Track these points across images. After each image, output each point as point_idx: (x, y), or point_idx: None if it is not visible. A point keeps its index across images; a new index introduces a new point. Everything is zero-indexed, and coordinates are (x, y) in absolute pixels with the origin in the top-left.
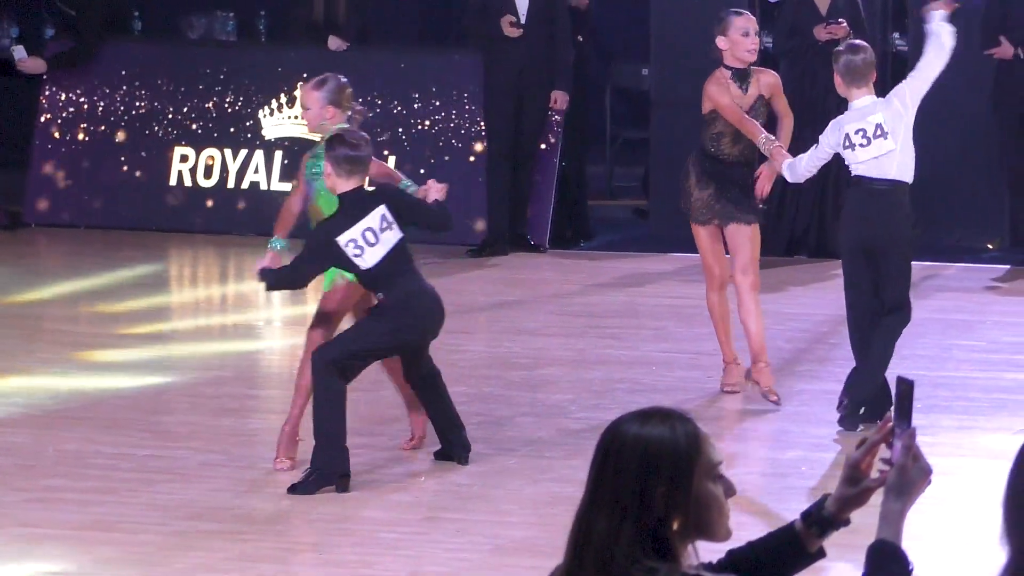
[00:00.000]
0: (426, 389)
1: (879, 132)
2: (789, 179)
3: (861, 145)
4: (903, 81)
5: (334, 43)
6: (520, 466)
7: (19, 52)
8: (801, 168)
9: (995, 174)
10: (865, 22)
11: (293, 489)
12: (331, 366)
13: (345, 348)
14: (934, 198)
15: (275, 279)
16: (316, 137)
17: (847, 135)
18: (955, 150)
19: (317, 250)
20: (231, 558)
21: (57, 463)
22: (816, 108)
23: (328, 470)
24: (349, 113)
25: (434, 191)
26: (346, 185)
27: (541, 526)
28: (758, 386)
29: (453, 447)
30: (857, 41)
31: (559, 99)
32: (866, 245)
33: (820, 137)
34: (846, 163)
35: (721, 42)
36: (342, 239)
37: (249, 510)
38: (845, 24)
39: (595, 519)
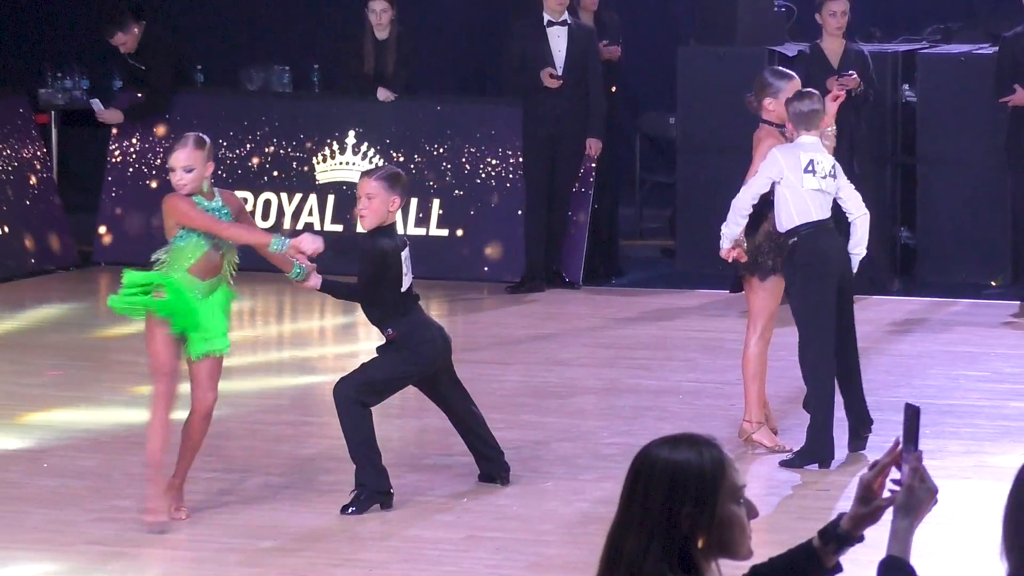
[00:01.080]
0: (457, 420)
1: (833, 172)
2: (728, 236)
3: (821, 178)
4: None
5: (383, 94)
6: (555, 488)
7: (97, 104)
8: (734, 212)
9: (998, 216)
10: (874, 74)
11: (345, 510)
12: (350, 396)
13: (364, 380)
14: (942, 238)
15: (347, 292)
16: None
17: (811, 160)
18: (962, 193)
19: (384, 260)
20: (285, 573)
21: (124, 485)
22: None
23: (373, 489)
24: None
25: (306, 242)
26: (393, 218)
27: (575, 544)
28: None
29: (495, 469)
30: (808, 89)
31: (593, 146)
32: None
33: (761, 166)
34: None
35: (773, 103)
36: (404, 255)
37: (303, 528)
38: (855, 75)
39: (626, 537)
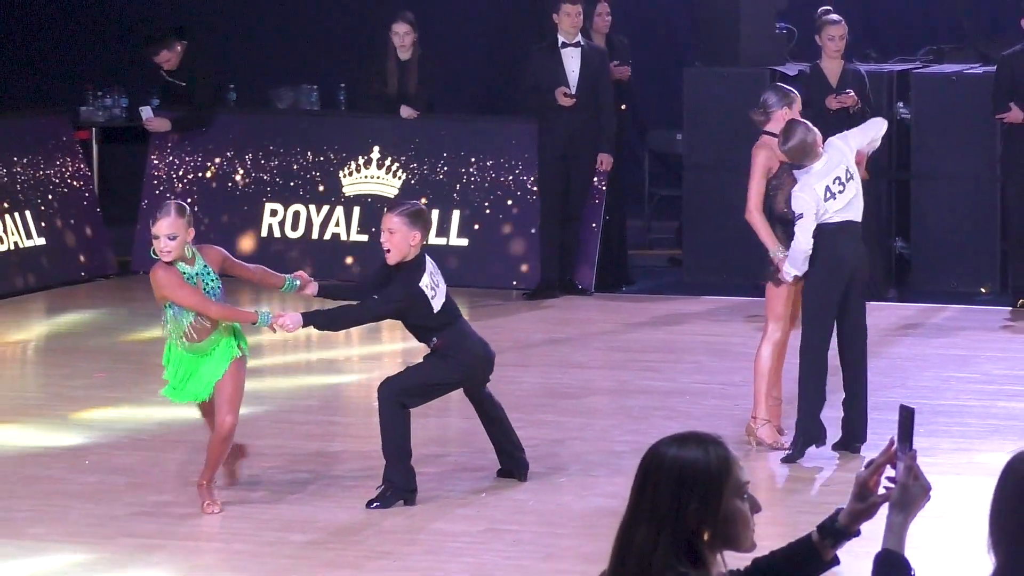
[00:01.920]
0: (488, 419)
1: (849, 176)
2: (799, 272)
3: (840, 192)
4: (847, 132)
5: (406, 111)
6: (570, 483)
7: (146, 112)
8: (800, 254)
9: (986, 227)
10: (870, 93)
11: (371, 504)
12: (392, 398)
13: (407, 384)
14: (934, 249)
15: (350, 319)
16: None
17: (827, 187)
18: (953, 206)
19: (404, 298)
20: (315, 564)
21: (162, 481)
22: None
23: (400, 486)
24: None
25: (288, 320)
26: (418, 249)
27: (588, 536)
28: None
29: (515, 466)
30: (789, 123)
31: (604, 161)
32: (850, 281)
33: (796, 208)
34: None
35: (788, 114)
36: (422, 283)
37: (331, 522)
38: (853, 94)
39: (636, 530)
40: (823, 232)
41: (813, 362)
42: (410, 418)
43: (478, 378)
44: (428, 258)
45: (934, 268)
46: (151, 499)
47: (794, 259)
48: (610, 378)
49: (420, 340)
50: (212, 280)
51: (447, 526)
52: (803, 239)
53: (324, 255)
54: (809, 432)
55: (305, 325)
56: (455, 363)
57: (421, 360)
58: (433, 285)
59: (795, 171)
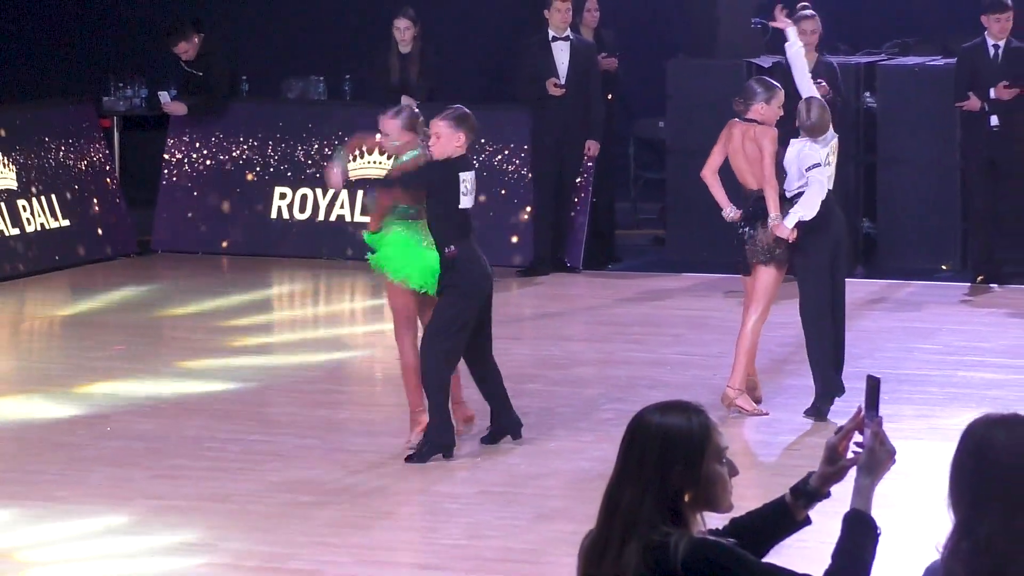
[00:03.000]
0: (484, 372)
1: (831, 157)
2: (811, 215)
3: (829, 164)
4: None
5: (406, 101)
6: (559, 448)
7: (164, 96)
8: (818, 198)
9: (948, 208)
10: (841, 83)
11: (410, 459)
12: (439, 354)
13: (435, 332)
14: (901, 227)
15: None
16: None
17: (827, 154)
18: (917, 189)
19: (441, 171)
20: (322, 524)
21: (178, 446)
22: None
23: (438, 441)
24: (421, 139)
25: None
26: (463, 151)
27: (576, 498)
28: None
29: (510, 425)
30: (815, 98)
31: (592, 147)
32: (837, 245)
33: (809, 160)
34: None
35: (764, 108)
36: (461, 174)
37: (338, 485)
38: (825, 84)
39: (622, 491)
40: (827, 199)
41: (823, 321)
42: (450, 381)
43: (485, 295)
44: (472, 172)
45: (899, 247)
46: (169, 463)
47: (812, 204)
48: (597, 350)
49: (438, 244)
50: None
51: (445, 488)
52: (819, 189)
53: (329, 236)
54: (831, 386)
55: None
56: (462, 290)
57: (436, 308)
58: (468, 187)
59: (797, 141)
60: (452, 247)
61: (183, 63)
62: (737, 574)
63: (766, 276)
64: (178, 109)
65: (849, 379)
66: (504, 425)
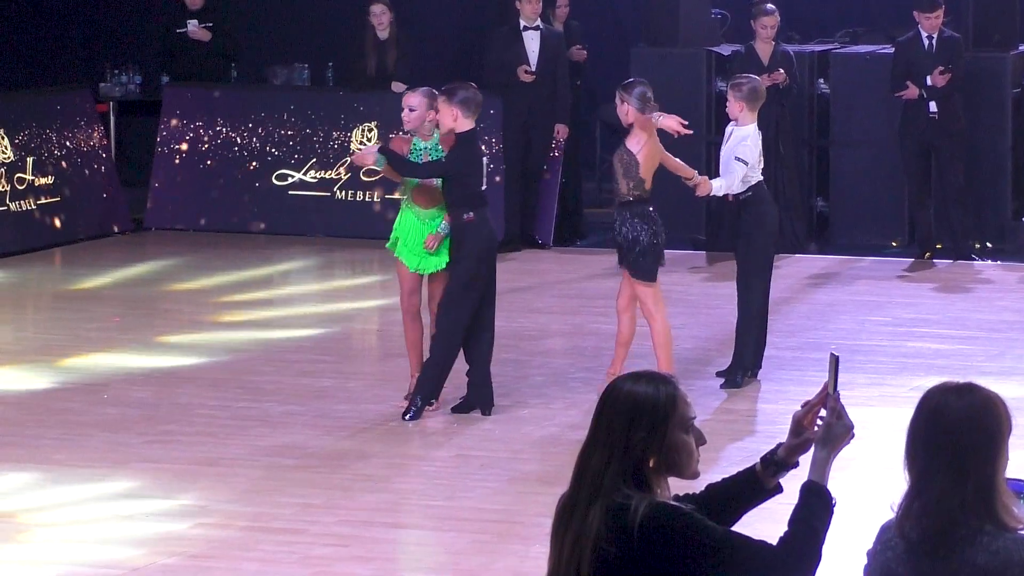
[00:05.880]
0: (473, 349)
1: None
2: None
3: (760, 156)
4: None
5: (397, 87)
6: (531, 415)
7: (192, 24)
8: (737, 184)
9: (896, 188)
10: (796, 71)
11: (405, 415)
12: (453, 322)
13: (450, 301)
14: (853, 206)
15: (416, 168)
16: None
17: (760, 150)
18: (867, 170)
19: (467, 155)
20: (306, 486)
21: (171, 413)
22: (763, 140)
23: (428, 395)
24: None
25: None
26: (468, 124)
27: (547, 461)
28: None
29: (481, 399)
30: (747, 75)
31: (561, 130)
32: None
33: (744, 156)
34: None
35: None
36: (484, 159)
37: (321, 449)
38: (783, 72)
39: (591, 455)
40: (763, 194)
41: (762, 308)
42: (458, 353)
43: (493, 259)
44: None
45: (850, 224)
46: (162, 429)
47: (732, 186)
48: (565, 322)
49: (454, 213)
50: (440, 156)
51: (423, 452)
52: (739, 179)
53: (312, 212)
54: (744, 362)
55: (380, 151)
56: (473, 256)
57: (447, 277)
58: (487, 161)
59: (737, 126)
60: (471, 213)
61: (187, 22)
62: (692, 538)
63: (644, 290)
64: (203, 35)
65: (803, 348)
66: (473, 400)
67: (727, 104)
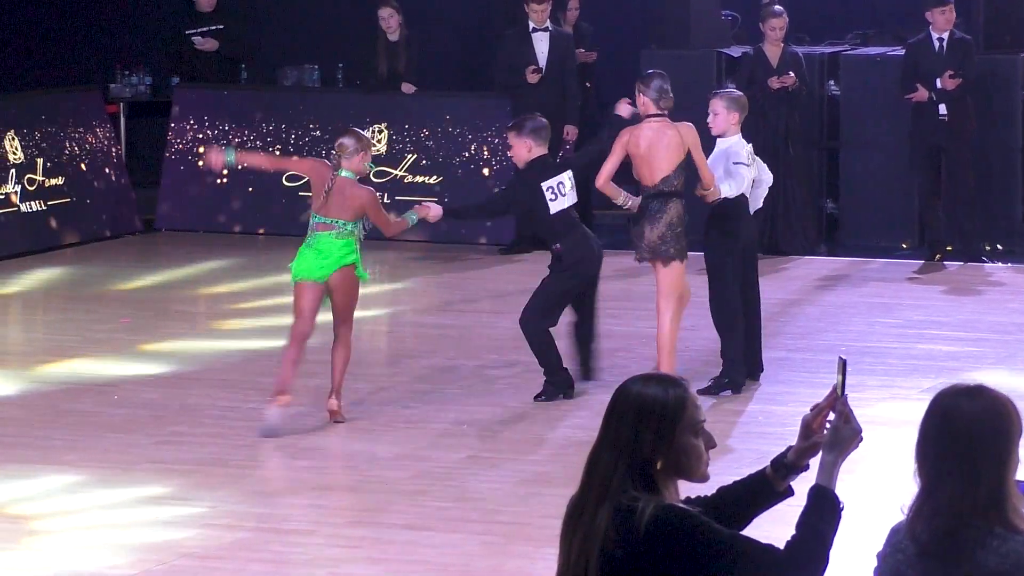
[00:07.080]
0: (578, 327)
1: (751, 157)
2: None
3: (754, 160)
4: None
5: (407, 88)
6: (540, 416)
7: (198, 40)
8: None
9: (906, 190)
10: (806, 73)
11: (538, 397)
12: (532, 325)
13: (537, 305)
14: (863, 208)
15: (476, 210)
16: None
17: (748, 153)
18: (877, 172)
19: (523, 189)
20: (314, 486)
21: (180, 414)
22: (768, 142)
23: (560, 384)
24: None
25: (433, 211)
26: (541, 151)
27: (556, 462)
28: None
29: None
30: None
31: (570, 131)
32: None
33: (739, 169)
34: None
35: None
36: (544, 184)
37: (329, 448)
38: (792, 75)
39: (600, 456)
40: (740, 204)
41: (726, 315)
42: (552, 336)
43: (591, 276)
44: (566, 173)
45: (860, 226)
46: (171, 430)
47: (736, 187)
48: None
49: (544, 243)
50: None
51: (432, 453)
52: (742, 180)
53: None
54: (733, 379)
55: (444, 214)
56: (570, 273)
57: (541, 281)
58: (557, 191)
59: (725, 142)
60: (558, 245)
61: (194, 38)
62: (698, 540)
63: (668, 273)
64: (210, 46)
65: (814, 350)
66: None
67: (712, 118)
